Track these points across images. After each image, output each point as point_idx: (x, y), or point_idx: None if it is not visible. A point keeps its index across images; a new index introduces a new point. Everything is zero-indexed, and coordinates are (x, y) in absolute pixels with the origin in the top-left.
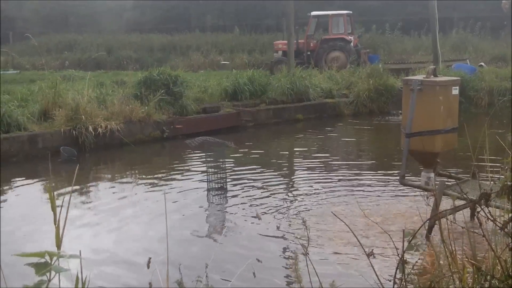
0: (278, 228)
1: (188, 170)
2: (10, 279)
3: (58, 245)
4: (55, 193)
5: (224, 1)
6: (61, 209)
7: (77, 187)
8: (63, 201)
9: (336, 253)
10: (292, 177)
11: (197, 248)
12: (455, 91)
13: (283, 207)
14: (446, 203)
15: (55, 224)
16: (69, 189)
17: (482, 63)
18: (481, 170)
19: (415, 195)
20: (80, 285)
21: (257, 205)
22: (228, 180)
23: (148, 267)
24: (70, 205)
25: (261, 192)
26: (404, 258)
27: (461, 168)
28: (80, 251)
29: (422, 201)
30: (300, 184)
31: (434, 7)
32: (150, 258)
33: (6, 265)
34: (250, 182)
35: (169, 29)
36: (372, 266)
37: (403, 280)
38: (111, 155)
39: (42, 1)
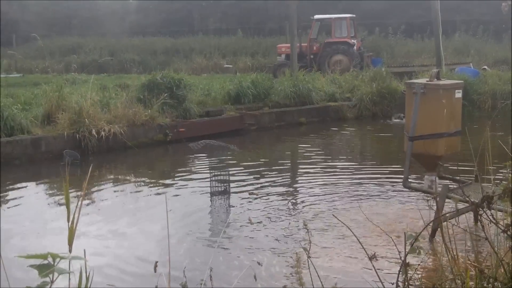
0: (280, 231)
1: (191, 173)
2: (13, 281)
3: (71, 242)
4: (61, 195)
5: (227, 4)
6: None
7: (79, 189)
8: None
9: (338, 256)
10: (295, 181)
11: (200, 251)
12: (458, 94)
13: (285, 211)
14: (450, 207)
15: (68, 221)
16: (73, 191)
17: (485, 67)
18: (483, 173)
19: (418, 198)
20: (83, 284)
21: (258, 209)
22: (231, 183)
23: (155, 270)
24: (72, 208)
25: (264, 195)
26: (407, 261)
27: (464, 171)
28: (84, 250)
29: (425, 204)
30: (302, 187)
31: (437, 10)
32: (156, 262)
33: (9, 267)
34: (253, 185)
35: (172, 32)
36: (374, 268)
37: (406, 283)
38: (114, 158)
39: (45, 2)
